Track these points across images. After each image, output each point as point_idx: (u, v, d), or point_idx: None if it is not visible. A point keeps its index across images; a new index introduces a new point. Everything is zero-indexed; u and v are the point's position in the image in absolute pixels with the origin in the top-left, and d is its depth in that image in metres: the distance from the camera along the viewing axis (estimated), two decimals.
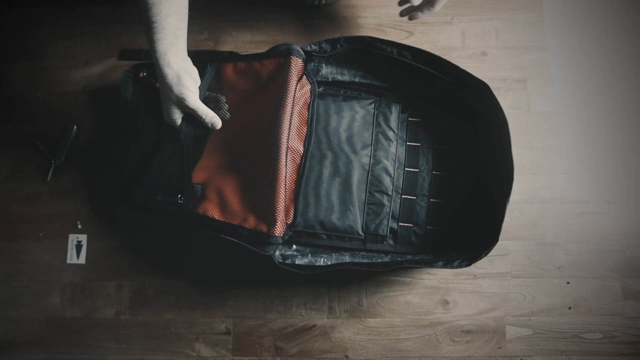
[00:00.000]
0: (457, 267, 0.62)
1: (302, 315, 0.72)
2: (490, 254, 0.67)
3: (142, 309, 0.73)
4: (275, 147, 0.65)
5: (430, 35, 0.81)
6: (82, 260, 0.75)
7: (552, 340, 0.70)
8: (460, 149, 0.72)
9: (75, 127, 0.78)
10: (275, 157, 0.64)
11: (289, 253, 0.69)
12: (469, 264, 0.62)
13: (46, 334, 0.73)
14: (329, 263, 0.68)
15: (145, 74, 0.76)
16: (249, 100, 0.70)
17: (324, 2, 0.80)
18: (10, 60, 0.82)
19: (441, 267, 0.63)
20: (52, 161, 0.77)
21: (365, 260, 0.68)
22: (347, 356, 0.71)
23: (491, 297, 0.72)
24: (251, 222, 0.65)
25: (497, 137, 0.66)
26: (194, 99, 0.63)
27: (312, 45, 0.69)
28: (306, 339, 0.72)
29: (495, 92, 0.78)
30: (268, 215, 0.64)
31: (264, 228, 0.64)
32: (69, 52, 0.82)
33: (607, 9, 0.81)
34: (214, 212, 0.66)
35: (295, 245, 0.70)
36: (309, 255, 0.69)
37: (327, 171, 0.69)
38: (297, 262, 0.67)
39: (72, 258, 0.75)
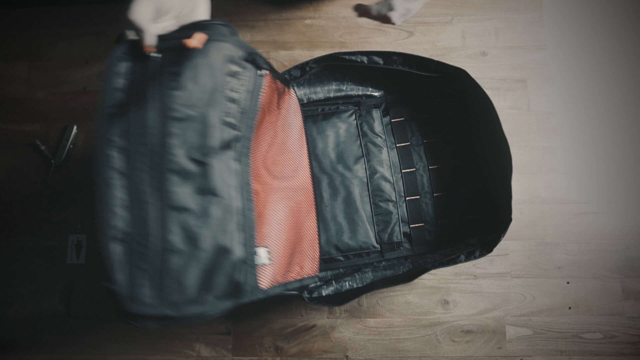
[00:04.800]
0: (479, 256, 0.61)
1: (302, 315, 0.72)
2: (490, 254, 0.66)
3: None
4: (308, 187, 0.63)
5: (430, 35, 0.81)
6: (82, 260, 0.75)
7: (552, 340, 0.70)
8: (449, 137, 0.72)
9: (75, 127, 0.78)
10: (310, 196, 0.63)
11: (312, 285, 0.66)
12: (489, 250, 0.60)
13: (46, 334, 0.73)
14: (354, 285, 0.66)
15: (157, 44, 0.45)
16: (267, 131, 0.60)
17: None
18: (10, 60, 0.82)
19: (464, 261, 0.62)
20: (52, 161, 0.77)
21: (388, 272, 0.67)
22: (347, 356, 0.71)
23: (491, 297, 0.72)
24: (296, 271, 0.58)
25: (485, 119, 0.65)
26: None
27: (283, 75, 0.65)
28: (306, 339, 0.72)
29: (495, 92, 0.78)
30: (307, 257, 0.61)
31: (308, 272, 0.60)
32: (69, 52, 0.82)
33: (607, 9, 0.81)
34: (266, 278, 0.50)
35: None
36: (333, 282, 0.67)
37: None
38: (324, 293, 0.65)
39: (72, 258, 0.75)
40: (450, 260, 0.63)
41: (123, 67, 0.45)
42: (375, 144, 0.71)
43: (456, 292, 0.72)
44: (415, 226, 0.70)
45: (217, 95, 0.45)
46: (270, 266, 0.51)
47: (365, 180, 0.69)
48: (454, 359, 0.70)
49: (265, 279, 0.50)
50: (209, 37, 0.45)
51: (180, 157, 0.43)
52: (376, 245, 0.68)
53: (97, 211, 0.40)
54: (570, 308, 0.71)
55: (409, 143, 0.72)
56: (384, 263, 0.69)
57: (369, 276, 0.67)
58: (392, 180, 0.70)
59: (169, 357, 0.72)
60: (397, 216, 0.69)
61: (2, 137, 0.80)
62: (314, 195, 0.66)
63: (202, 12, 0.49)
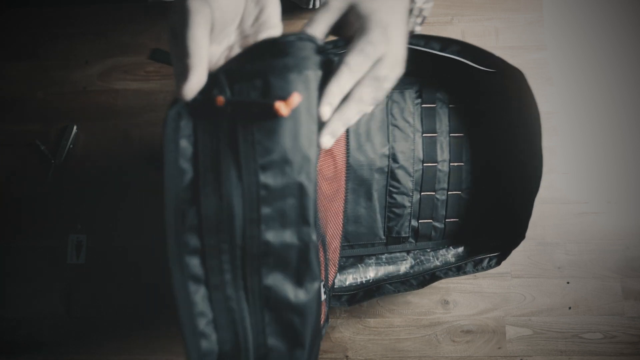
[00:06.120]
0: (487, 268, 0.60)
1: None
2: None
3: (143, 309, 0.73)
4: (342, 189, 0.55)
5: None
6: (82, 260, 0.75)
7: (552, 340, 0.70)
8: (478, 135, 0.67)
9: (75, 127, 0.78)
10: (342, 196, 0.57)
11: None
12: (498, 263, 0.60)
13: (46, 334, 0.73)
14: (358, 279, 0.66)
15: (227, 97, 0.31)
16: None
17: (318, 5, 0.80)
18: (10, 60, 0.82)
19: (472, 272, 0.61)
20: (52, 161, 0.77)
21: (391, 267, 0.67)
22: (347, 356, 0.71)
23: (491, 297, 0.72)
24: (330, 279, 0.52)
25: (526, 128, 0.60)
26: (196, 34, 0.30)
27: (326, 45, 0.55)
28: None
29: None
30: (337, 259, 0.57)
31: (334, 274, 0.56)
32: (69, 52, 0.82)
33: (607, 9, 0.81)
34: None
35: None
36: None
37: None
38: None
39: (72, 258, 0.75)
40: (458, 268, 0.62)
41: (187, 127, 0.31)
42: (402, 131, 0.66)
43: (456, 292, 0.72)
44: (424, 222, 0.67)
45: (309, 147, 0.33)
46: (324, 300, 0.45)
47: (386, 170, 0.65)
48: (454, 359, 0.70)
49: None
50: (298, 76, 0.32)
51: (274, 243, 0.33)
52: (383, 237, 0.67)
53: (183, 336, 0.31)
54: (570, 308, 0.71)
55: (436, 135, 0.67)
56: (386, 255, 0.68)
57: (372, 269, 0.67)
58: (411, 173, 0.66)
59: (169, 357, 0.72)
60: (409, 210, 0.66)
61: (2, 137, 0.80)
62: (345, 194, 0.61)
63: (273, 17, 0.36)
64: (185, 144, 0.31)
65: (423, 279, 0.63)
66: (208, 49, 0.30)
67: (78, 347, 0.73)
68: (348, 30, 0.36)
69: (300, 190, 0.32)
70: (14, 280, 0.75)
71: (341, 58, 0.33)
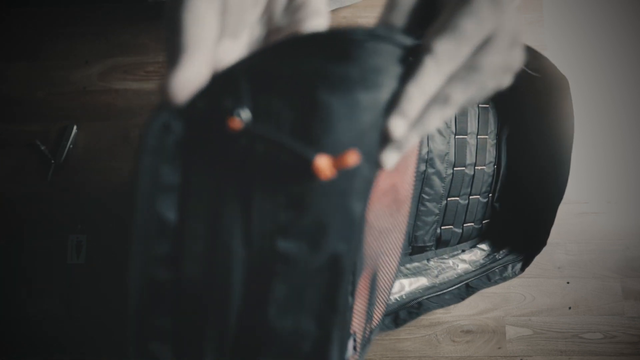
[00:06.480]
0: (512, 275, 0.60)
1: None
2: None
3: None
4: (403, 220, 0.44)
5: None
6: (82, 260, 0.75)
7: (552, 340, 0.70)
8: (502, 138, 0.66)
9: (75, 127, 0.78)
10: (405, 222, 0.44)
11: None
12: (522, 270, 0.61)
13: (46, 334, 0.73)
14: (393, 294, 0.63)
15: (247, 119, 0.19)
16: None
17: None
18: (10, 60, 0.82)
19: (501, 281, 0.60)
20: (52, 161, 0.77)
21: (422, 278, 0.65)
22: None
23: (491, 297, 0.72)
24: (375, 321, 0.41)
25: (558, 137, 0.59)
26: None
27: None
28: None
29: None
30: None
31: (377, 315, 0.44)
32: (69, 52, 0.82)
33: (607, 9, 0.81)
34: None
35: None
36: None
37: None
38: None
39: (72, 258, 0.75)
40: (488, 277, 0.62)
41: (176, 148, 0.20)
42: (440, 132, 0.60)
43: None
44: (446, 228, 0.65)
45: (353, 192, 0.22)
46: (352, 356, 0.35)
47: (422, 176, 0.59)
48: (454, 359, 0.70)
49: None
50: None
51: (283, 330, 0.23)
52: (409, 247, 0.63)
53: None
54: (570, 308, 0.71)
55: (466, 136, 0.63)
56: (408, 265, 0.65)
57: (400, 281, 0.64)
58: (444, 179, 0.62)
59: None
60: (437, 218, 0.63)
61: (2, 137, 0.80)
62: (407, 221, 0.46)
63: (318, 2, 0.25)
64: (169, 175, 0.20)
65: (459, 291, 0.62)
66: (214, 28, 0.20)
67: (78, 347, 0.73)
68: (442, 12, 0.24)
69: (334, 264, 0.22)
70: (14, 280, 0.75)
71: (425, 43, 0.22)
